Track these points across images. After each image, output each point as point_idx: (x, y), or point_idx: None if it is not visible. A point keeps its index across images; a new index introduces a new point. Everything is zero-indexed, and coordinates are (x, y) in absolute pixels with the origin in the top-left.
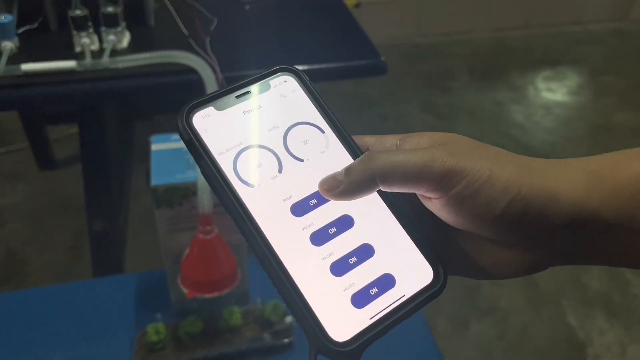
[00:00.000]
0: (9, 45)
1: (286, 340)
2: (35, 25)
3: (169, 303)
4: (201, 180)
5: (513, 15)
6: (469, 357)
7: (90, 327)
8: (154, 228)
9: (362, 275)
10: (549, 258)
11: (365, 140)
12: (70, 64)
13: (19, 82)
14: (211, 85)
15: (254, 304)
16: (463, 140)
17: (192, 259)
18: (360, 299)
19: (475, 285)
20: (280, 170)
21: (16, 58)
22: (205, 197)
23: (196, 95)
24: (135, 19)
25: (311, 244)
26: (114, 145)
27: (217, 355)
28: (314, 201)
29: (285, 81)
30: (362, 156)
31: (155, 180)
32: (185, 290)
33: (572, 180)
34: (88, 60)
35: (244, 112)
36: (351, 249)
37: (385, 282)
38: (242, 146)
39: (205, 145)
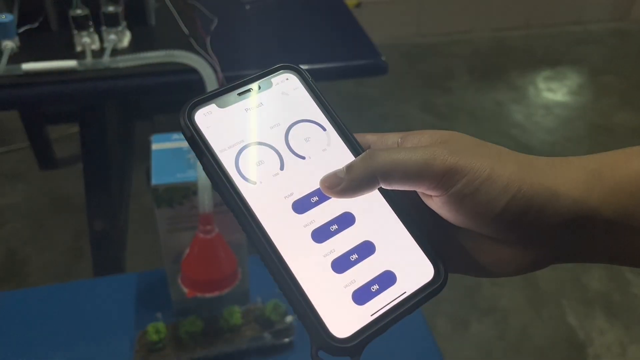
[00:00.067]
0: (9, 44)
1: (286, 340)
2: (36, 24)
3: (169, 302)
4: (202, 180)
5: (513, 15)
6: (469, 357)
7: (91, 327)
8: (154, 228)
9: (363, 272)
10: (550, 256)
11: (366, 138)
12: (70, 63)
13: (20, 81)
14: (212, 85)
15: (254, 303)
16: (464, 138)
17: (192, 258)
18: (361, 295)
19: (475, 285)
20: (282, 168)
21: (17, 57)
22: (205, 196)
23: (197, 95)
24: (136, 18)
25: (312, 241)
26: (114, 144)
27: (218, 355)
28: (315, 198)
29: (287, 79)
30: (363, 154)
31: (155, 180)
32: (185, 290)
33: (573, 178)
34: (89, 59)
35: (246, 110)
36: (352, 246)
37: (386, 279)
38: (244, 143)
39: (208, 143)
